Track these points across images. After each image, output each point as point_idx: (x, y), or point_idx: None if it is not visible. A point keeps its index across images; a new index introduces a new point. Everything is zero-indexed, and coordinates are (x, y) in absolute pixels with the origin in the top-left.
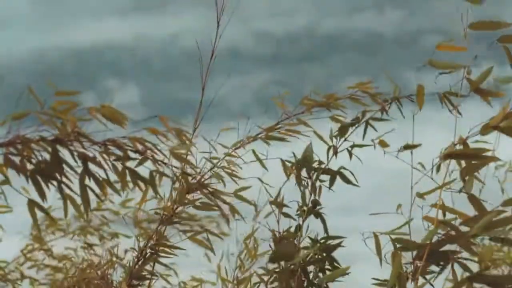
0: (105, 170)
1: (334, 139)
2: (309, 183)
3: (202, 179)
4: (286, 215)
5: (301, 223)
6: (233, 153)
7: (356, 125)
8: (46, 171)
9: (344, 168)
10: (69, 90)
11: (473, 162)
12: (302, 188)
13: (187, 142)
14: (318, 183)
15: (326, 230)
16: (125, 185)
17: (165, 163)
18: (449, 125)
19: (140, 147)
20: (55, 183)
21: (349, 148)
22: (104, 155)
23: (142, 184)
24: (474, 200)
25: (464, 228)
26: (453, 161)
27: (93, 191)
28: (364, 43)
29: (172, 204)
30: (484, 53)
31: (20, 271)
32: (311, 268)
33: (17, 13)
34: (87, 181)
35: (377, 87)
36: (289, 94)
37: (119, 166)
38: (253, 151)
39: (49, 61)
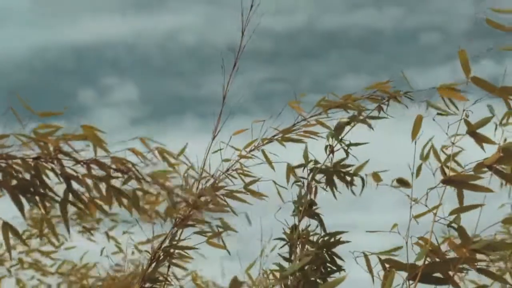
0: (89, 188)
1: (331, 139)
2: (305, 183)
3: (216, 182)
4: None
5: (297, 223)
6: (246, 154)
7: (353, 124)
8: (27, 189)
9: (342, 168)
10: (53, 111)
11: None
12: (298, 188)
13: (171, 161)
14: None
15: (324, 230)
16: (109, 203)
17: (148, 181)
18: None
19: (122, 167)
20: (37, 199)
21: (346, 147)
22: (86, 175)
23: (125, 201)
24: (461, 232)
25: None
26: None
27: (78, 207)
28: (363, 40)
29: (186, 207)
30: (483, 49)
31: None
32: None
33: (17, 10)
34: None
35: (394, 86)
36: (289, 90)
37: (103, 185)
38: (263, 152)
39: (48, 58)
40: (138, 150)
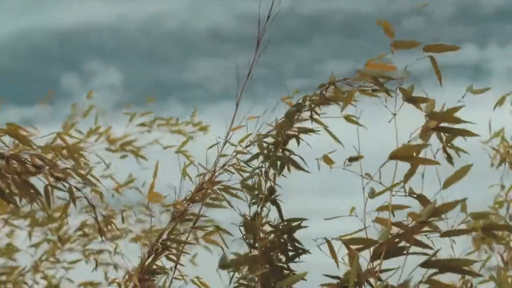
0: (8, 183)
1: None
2: (263, 171)
3: (213, 177)
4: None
5: (258, 210)
6: (243, 150)
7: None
8: None
9: (294, 154)
10: None
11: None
12: (256, 177)
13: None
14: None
15: (281, 216)
16: (22, 197)
17: (62, 179)
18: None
19: (40, 162)
20: None
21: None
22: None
23: (34, 195)
24: (423, 200)
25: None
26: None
27: None
28: (347, 25)
29: (184, 201)
30: (466, 34)
31: None
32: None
33: None
34: None
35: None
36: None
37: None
38: (259, 145)
39: (32, 42)
40: (54, 147)
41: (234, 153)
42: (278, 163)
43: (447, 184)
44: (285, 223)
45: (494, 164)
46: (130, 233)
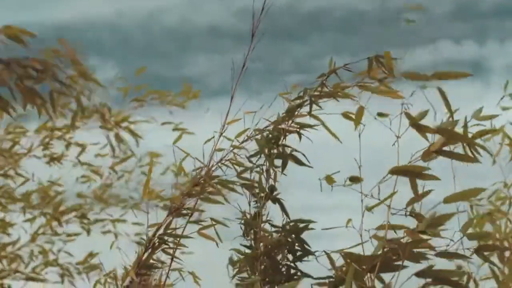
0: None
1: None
2: (264, 169)
3: (210, 171)
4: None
5: (259, 209)
6: (239, 145)
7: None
8: None
9: (296, 151)
10: None
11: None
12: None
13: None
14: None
15: (286, 214)
16: (25, 104)
17: (65, 83)
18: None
19: (41, 67)
20: None
21: (298, 130)
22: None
23: (40, 101)
24: (419, 218)
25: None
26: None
27: None
28: (345, 21)
29: (181, 196)
30: (465, 31)
31: None
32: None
33: None
34: None
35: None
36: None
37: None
38: (256, 140)
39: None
40: (58, 50)
41: (231, 148)
42: (280, 160)
43: (449, 200)
44: (292, 223)
45: (496, 161)
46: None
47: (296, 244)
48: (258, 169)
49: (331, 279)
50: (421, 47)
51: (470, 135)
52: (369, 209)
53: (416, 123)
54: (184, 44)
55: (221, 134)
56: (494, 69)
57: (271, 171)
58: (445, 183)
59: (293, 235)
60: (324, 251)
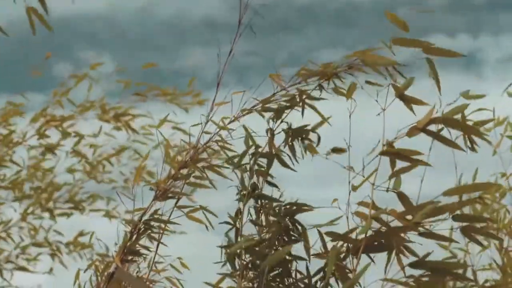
0: None
1: (271, 121)
2: (248, 168)
3: (196, 154)
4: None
5: (241, 207)
6: (225, 126)
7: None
8: None
9: (281, 150)
10: None
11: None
12: (241, 173)
13: None
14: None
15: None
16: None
17: None
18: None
19: None
20: None
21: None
22: None
23: None
24: (403, 198)
25: (394, 224)
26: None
27: None
28: (341, 14)
29: (166, 179)
30: (459, 24)
31: None
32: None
33: None
34: None
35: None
36: (265, 63)
37: None
38: (244, 127)
39: (23, 31)
40: None
41: (217, 129)
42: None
43: (449, 193)
44: (287, 206)
45: (496, 152)
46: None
47: (290, 227)
48: (243, 166)
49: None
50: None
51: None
52: (355, 188)
53: (402, 94)
54: (179, 37)
55: (208, 120)
56: (487, 62)
57: (255, 169)
58: (444, 175)
59: (288, 218)
60: (313, 225)
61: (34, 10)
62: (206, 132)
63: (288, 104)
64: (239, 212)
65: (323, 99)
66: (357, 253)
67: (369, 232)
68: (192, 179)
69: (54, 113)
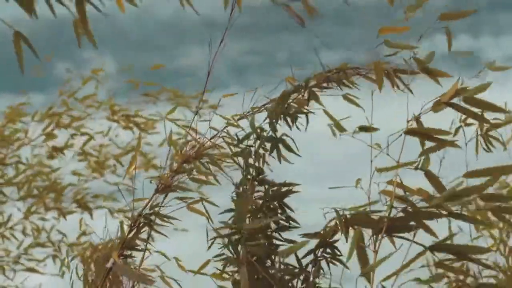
0: None
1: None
2: (252, 151)
3: (201, 148)
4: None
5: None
6: (234, 122)
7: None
8: None
9: (286, 136)
10: None
11: (432, 144)
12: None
13: None
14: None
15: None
16: None
17: None
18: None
19: None
20: None
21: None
22: None
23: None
24: (431, 177)
25: (421, 204)
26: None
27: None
28: (341, 14)
29: (169, 173)
30: (459, 24)
31: None
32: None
33: None
34: None
35: (388, 62)
36: (265, 63)
37: None
38: (251, 123)
39: (24, 31)
40: None
41: (225, 125)
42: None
43: (471, 175)
44: (275, 188)
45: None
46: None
47: (279, 211)
48: (247, 150)
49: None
50: (416, 41)
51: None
52: (380, 170)
53: (425, 67)
54: (178, 36)
55: (196, 111)
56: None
57: (260, 153)
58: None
59: (275, 201)
60: (334, 208)
61: None
62: (212, 128)
63: (293, 89)
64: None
65: (330, 88)
66: (379, 234)
67: (394, 213)
68: (195, 174)
69: (60, 113)
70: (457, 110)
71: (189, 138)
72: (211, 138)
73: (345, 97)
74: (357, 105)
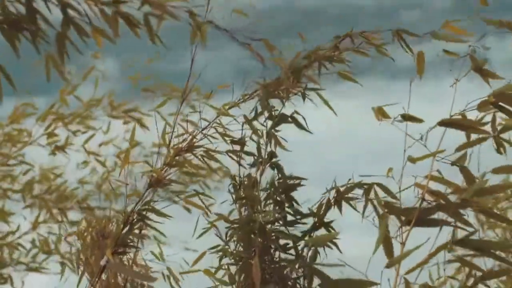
0: (89, 18)
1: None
2: (264, 133)
3: (194, 140)
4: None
5: (258, 176)
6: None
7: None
8: (18, 23)
9: (297, 113)
10: None
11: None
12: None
13: None
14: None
15: (283, 177)
16: (116, 32)
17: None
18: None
19: None
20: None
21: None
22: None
23: (137, 30)
24: (466, 172)
25: (453, 198)
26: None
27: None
28: (343, 17)
29: (162, 167)
30: (464, 26)
31: None
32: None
33: None
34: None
35: (382, 38)
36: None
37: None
38: (245, 116)
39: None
40: None
41: (217, 115)
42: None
43: (499, 171)
44: (281, 180)
45: None
46: None
47: (286, 205)
48: (259, 132)
49: None
50: (419, 43)
51: None
52: (413, 160)
53: (479, 67)
54: (182, 40)
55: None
56: (492, 64)
57: (272, 134)
58: None
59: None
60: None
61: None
62: (204, 119)
63: (306, 63)
64: (255, 182)
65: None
66: (408, 224)
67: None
68: (188, 168)
69: (61, 111)
70: (502, 112)
71: (181, 131)
72: (202, 130)
73: (340, 73)
74: (354, 81)
